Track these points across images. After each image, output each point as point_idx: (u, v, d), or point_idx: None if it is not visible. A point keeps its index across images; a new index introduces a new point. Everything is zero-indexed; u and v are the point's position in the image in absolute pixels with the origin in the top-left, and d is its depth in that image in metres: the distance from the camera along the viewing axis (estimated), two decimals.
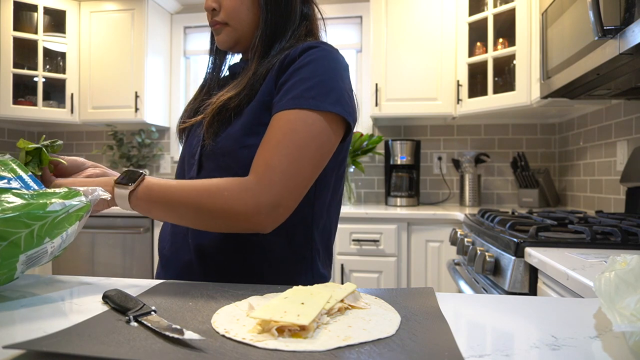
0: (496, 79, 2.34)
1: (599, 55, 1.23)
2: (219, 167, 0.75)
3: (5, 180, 0.61)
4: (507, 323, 0.49)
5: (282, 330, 0.42)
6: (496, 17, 2.26)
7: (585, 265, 0.86)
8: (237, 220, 0.66)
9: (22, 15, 2.69)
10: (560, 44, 1.53)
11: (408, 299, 0.55)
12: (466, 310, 0.53)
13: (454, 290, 1.98)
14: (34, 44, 2.69)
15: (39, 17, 2.68)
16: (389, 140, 2.63)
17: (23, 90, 2.75)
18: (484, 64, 2.34)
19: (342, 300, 0.50)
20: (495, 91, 2.27)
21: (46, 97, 2.80)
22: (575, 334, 0.44)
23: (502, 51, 2.24)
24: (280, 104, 0.70)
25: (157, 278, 0.83)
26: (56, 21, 2.76)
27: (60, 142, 0.76)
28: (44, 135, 0.77)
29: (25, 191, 0.57)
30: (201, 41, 3.10)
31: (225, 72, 0.92)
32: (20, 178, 0.63)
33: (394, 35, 2.47)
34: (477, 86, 2.43)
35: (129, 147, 3.05)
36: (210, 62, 0.92)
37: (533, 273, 1.08)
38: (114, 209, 2.38)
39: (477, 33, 2.39)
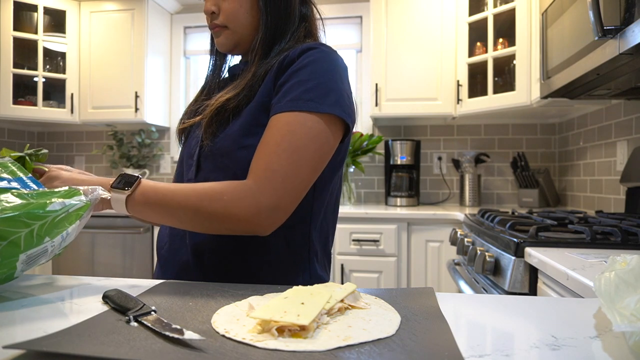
0: (496, 79, 2.34)
1: (599, 55, 1.23)
2: (217, 168, 0.75)
3: (5, 182, 0.61)
4: (507, 323, 0.49)
5: (282, 330, 0.42)
6: (496, 17, 2.26)
7: (585, 265, 0.86)
8: (236, 224, 0.66)
9: (22, 15, 2.69)
10: (560, 44, 1.53)
11: (408, 299, 0.55)
12: (466, 310, 0.53)
13: (454, 290, 1.98)
14: (34, 44, 2.69)
15: (39, 17, 2.68)
16: (389, 140, 2.63)
17: (23, 90, 2.75)
18: (484, 64, 2.34)
19: (342, 300, 0.50)
20: (495, 91, 2.27)
21: (46, 97, 2.80)
22: (575, 334, 0.44)
23: (502, 51, 2.24)
24: (278, 106, 0.70)
25: (156, 278, 0.83)
26: (56, 21, 2.76)
27: (45, 151, 0.76)
28: (28, 144, 0.77)
29: (25, 191, 0.57)
30: (201, 41, 3.10)
31: (225, 73, 0.92)
32: (19, 180, 0.63)
33: (394, 35, 2.47)
34: (477, 86, 2.43)
35: (129, 147, 3.05)
36: (211, 63, 0.92)
37: (533, 273, 1.08)
38: (112, 210, 2.38)
39: (477, 33, 2.39)
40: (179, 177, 0.86)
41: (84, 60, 2.79)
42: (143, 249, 2.40)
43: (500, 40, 2.31)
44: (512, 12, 2.19)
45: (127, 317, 0.46)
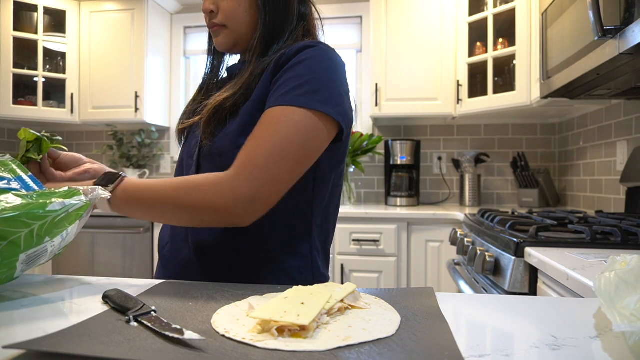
0: (496, 79, 2.34)
1: (599, 55, 1.23)
2: (216, 168, 0.75)
3: (5, 181, 0.61)
4: (507, 323, 0.49)
5: (282, 330, 0.42)
6: (496, 17, 2.26)
7: (585, 265, 0.86)
8: (214, 214, 0.66)
9: (22, 15, 2.69)
10: (560, 44, 1.53)
11: (408, 299, 0.55)
12: (466, 310, 0.53)
13: (454, 290, 1.98)
14: (34, 44, 2.69)
15: (39, 17, 2.68)
16: (389, 140, 2.63)
17: (23, 90, 2.75)
18: (484, 64, 2.34)
19: (342, 300, 0.50)
20: (495, 91, 2.27)
21: (46, 97, 2.80)
22: (575, 334, 0.44)
23: (502, 51, 2.24)
24: (269, 102, 0.70)
25: (158, 278, 0.83)
26: (56, 21, 2.76)
27: (60, 138, 0.80)
28: (44, 130, 0.80)
29: (25, 192, 0.57)
30: (201, 41, 3.10)
31: (224, 73, 0.92)
32: (20, 179, 0.63)
33: (394, 35, 2.47)
34: (477, 86, 2.43)
35: (129, 147, 3.05)
36: (209, 63, 0.92)
37: (533, 273, 1.08)
38: None
39: (477, 33, 2.39)
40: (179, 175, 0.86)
41: (84, 60, 2.79)
42: (143, 249, 2.40)
43: (500, 40, 2.31)
44: (512, 12, 2.19)
45: (127, 317, 0.46)
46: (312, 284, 0.71)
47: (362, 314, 0.49)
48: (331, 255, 0.88)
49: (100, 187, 0.65)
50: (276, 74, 0.73)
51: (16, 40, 2.65)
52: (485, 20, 2.31)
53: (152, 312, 0.48)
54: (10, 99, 2.62)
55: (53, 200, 0.57)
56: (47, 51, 2.76)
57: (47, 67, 2.78)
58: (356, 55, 2.94)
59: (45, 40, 2.72)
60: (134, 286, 0.62)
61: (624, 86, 1.48)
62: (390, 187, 2.60)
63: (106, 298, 0.53)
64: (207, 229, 0.75)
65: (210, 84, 0.90)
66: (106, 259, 2.44)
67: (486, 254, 1.24)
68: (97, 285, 0.64)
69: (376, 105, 2.48)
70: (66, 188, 0.61)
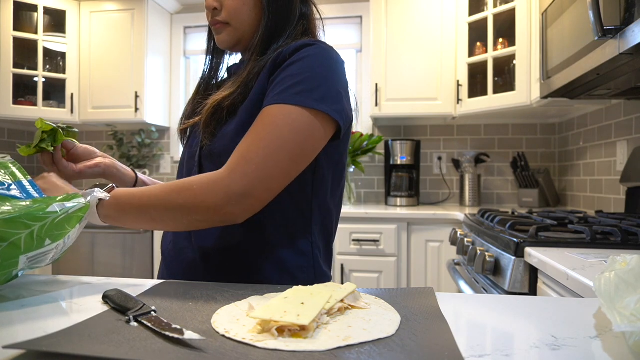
0: (496, 79, 2.34)
1: (599, 55, 1.23)
2: (218, 168, 0.75)
3: (5, 186, 0.61)
4: (507, 323, 0.49)
5: (282, 330, 0.42)
6: (496, 17, 2.26)
7: (585, 265, 0.86)
8: (207, 213, 0.65)
9: (22, 15, 2.69)
10: (560, 44, 1.53)
11: (408, 299, 0.55)
12: (466, 310, 0.53)
13: (454, 290, 1.98)
14: (34, 44, 2.69)
15: (39, 17, 2.68)
16: (389, 140, 2.63)
17: (23, 90, 2.75)
18: (484, 64, 2.34)
19: (342, 300, 0.50)
20: (495, 91, 2.27)
21: (46, 97, 2.80)
22: (575, 334, 0.44)
23: (502, 51, 2.24)
24: (266, 100, 0.70)
25: (161, 278, 0.83)
26: (56, 21, 2.76)
27: (76, 130, 0.82)
28: (60, 122, 0.82)
29: (24, 202, 0.57)
30: (201, 41, 3.08)
31: (224, 73, 0.92)
32: (19, 183, 0.64)
33: (394, 35, 2.47)
34: (477, 86, 2.43)
35: (129, 147, 3.05)
36: (208, 62, 0.91)
37: (533, 273, 1.08)
38: None
39: (477, 33, 2.39)
40: (180, 178, 0.86)
41: (84, 60, 2.79)
42: (143, 249, 2.40)
43: (500, 40, 2.31)
44: (512, 12, 2.19)
45: (127, 317, 0.46)
46: (314, 283, 0.71)
47: (362, 314, 0.49)
48: (332, 254, 0.88)
49: (97, 189, 0.65)
50: (273, 73, 0.73)
51: (16, 40, 2.65)
52: (485, 20, 2.31)
53: (152, 312, 0.48)
54: (10, 99, 2.62)
55: (52, 202, 0.57)
56: (47, 51, 2.76)
57: (47, 67, 2.78)
58: (356, 55, 2.94)
59: (45, 40, 2.72)
60: (134, 286, 0.62)
61: (624, 86, 1.48)
62: (390, 187, 2.60)
63: (106, 298, 0.53)
64: (210, 229, 0.75)
65: (209, 83, 0.90)
66: (106, 259, 2.44)
67: (486, 254, 1.24)
68: (97, 285, 0.64)
69: (376, 105, 2.48)
70: (65, 195, 0.61)
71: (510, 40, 2.23)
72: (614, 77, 1.37)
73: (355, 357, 0.38)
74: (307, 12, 0.85)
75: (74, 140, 0.83)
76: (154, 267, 2.39)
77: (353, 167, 2.65)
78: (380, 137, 2.57)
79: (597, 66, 1.25)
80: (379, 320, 0.47)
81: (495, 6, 2.27)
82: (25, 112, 2.67)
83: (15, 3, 2.62)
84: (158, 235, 2.37)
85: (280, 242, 0.76)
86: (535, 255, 1.01)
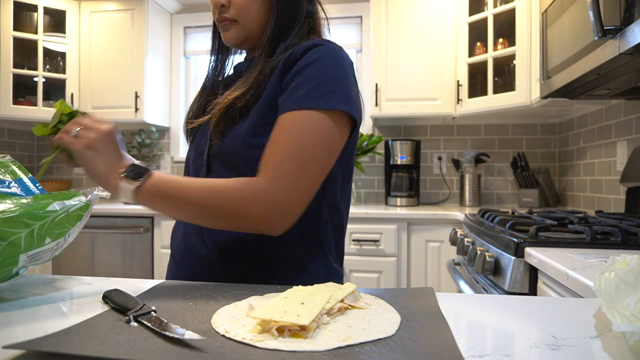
0: (496, 79, 2.34)
1: (599, 55, 1.23)
2: (227, 168, 0.75)
3: (5, 184, 0.61)
4: (507, 323, 0.49)
5: (282, 330, 0.42)
6: (496, 17, 2.26)
7: (585, 265, 0.86)
8: (248, 223, 0.67)
9: (22, 15, 2.69)
10: (560, 44, 1.53)
11: (408, 299, 0.55)
12: (466, 310, 0.53)
13: (454, 290, 1.98)
14: (34, 44, 2.69)
15: (39, 17, 2.68)
16: (389, 140, 2.63)
17: (23, 90, 2.75)
18: (484, 64, 2.34)
19: (342, 300, 0.50)
20: (495, 91, 2.27)
21: (46, 97, 2.79)
22: (575, 334, 0.44)
23: (502, 51, 2.24)
24: (286, 104, 0.70)
25: (171, 278, 0.83)
26: (56, 21, 2.76)
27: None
28: (79, 107, 0.81)
29: (25, 200, 0.57)
30: (201, 41, 3.10)
31: (229, 70, 0.91)
32: (19, 181, 0.64)
33: (394, 35, 2.47)
34: (477, 86, 2.43)
35: (129, 147, 3.05)
36: (212, 61, 0.91)
37: (533, 273, 1.08)
38: (113, 209, 2.38)
39: (477, 33, 2.39)
40: (187, 176, 0.86)
41: (84, 60, 2.79)
42: (143, 249, 2.40)
43: (500, 40, 2.31)
44: (512, 12, 2.19)
45: (127, 317, 0.46)
46: (326, 279, 0.71)
47: (362, 314, 0.49)
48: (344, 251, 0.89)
49: (98, 188, 0.65)
50: (286, 74, 0.73)
51: (16, 40, 2.65)
52: (485, 20, 2.31)
53: (152, 312, 0.48)
54: (10, 99, 2.62)
55: (52, 201, 0.57)
56: (47, 51, 2.76)
57: (47, 67, 2.78)
58: (356, 55, 2.94)
59: (45, 40, 2.71)
60: (134, 286, 0.62)
61: (624, 86, 1.48)
62: (390, 187, 2.60)
63: (106, 298, 0.53)
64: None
65: (215, 82, 0.89)
66: (106, 259, 2.44)
67: (486, 254, 1.24)
68: (97, 285, 0.64)
69: (376, 105, 2.48)
70: (65, 191, 0.61)
71: (510, 40, 2.23)
72: (614, 77, 1.37)
73: (355, 357, 0.38)
74: (313, 11, 0.85)
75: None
76: (154, 267, 2.39)
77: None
78: (380, 137, 2.57)
79: (597, 66, 1.25)
80: (379, 320, 0.47)
81: (495, 6, 2.27)
82: (25, 112, 2.67)
83: (15, 3, 2.62)
84: (158, 235, 2.37)
85: (292, 241, 0.76)
86: (535, 255, 1.01)
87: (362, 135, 2.54)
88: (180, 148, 3.10)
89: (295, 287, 0.53)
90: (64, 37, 2.75)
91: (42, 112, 2.71)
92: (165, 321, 0.45)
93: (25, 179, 0.65)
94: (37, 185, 0.65)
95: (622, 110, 1.92)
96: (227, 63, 0.91)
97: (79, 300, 0.56)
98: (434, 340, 0.41)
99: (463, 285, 1.44)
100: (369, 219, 2.17)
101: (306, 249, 0.78)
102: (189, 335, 0.41)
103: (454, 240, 1.69)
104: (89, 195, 0.63)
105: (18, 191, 0.62)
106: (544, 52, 1.69)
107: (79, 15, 2.79)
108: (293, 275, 0.76)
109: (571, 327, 0.46)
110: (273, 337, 0.41)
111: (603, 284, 0.44)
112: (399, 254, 2.15)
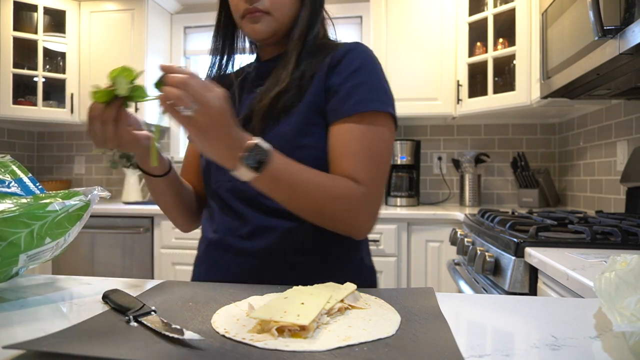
0: (496, 79, 2.34)
1: (599, 55, 1.23)
2: None
3: (5, 184, 0.61)
4: (507, 323, 0.49)
5: (282, 330, 0.42)
6: (496, 17, 2.26)
7: (585, 265, 0.86)
8: (346, 227, 0.72)
9: (22, 15, 2.68)
10: (560, 44, 1.53)
11: (408, 299, 0.55)
12: (466, 310, 0.53)
13: (454, 290, 1.98)
14: (34, 44, 2.69)
15: (39, 17, 2.68)
16: None
17: (23, 90, 2.74)
18: (484, 64, 2.34)
19: (342, 301, 0.50)
20: (495, 91, 2.27)
21: (46, 97, 2.79)
22: (575, 334, 0.44)
23: (502, 51, 2.24)
24: (343, 109, 0.73)
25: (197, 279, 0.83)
26: (56, 21, 2.76)
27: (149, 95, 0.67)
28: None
29: (25, 199, 0.57)
30: (201, 41, 3.09)
31: (251, 70, 0.88)
32: (19, 180, 0.64)
33: (394, 35, 2.47)
34: (477, 86, 2.43)
35: None
36: (216, 61, 0.88)
37: (533, 273, 1.08)
38: (113, 209, 2.38)
39: (477, 33, 2.38)
40: (208, 172, 0.84)
41: (84, 60, 2.79)
42: (143, 249, 2.40)
43: (500, 40, 2.31)
44: (512, 12, 2.19)
45: (127, 317, 0.46)
46: (364, 273, 0.79)
47: (362, 314, 0.49)
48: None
49: (99, 187, 0.65)
50: (330, 77, 0.76)
51: (16, 40, 2.65)
52: (485, 20, 2.31)
53: (152, 312, 0.48)
54: (10, 99, 2.62)
55: (52, 201, 0.57)
56: (47, 51, 2.75)
57: (47, 67, 2.77)
58: None
59: (45, 40, 2.71)
60: (134, 286, 0.62)
61: (624, 86, 1.48)
62: (390, 187, 2.59)
63: (106, 298, 0.53)
64: (281, 229, 0.76)
65: (220, 82, 0.86)
66: (106, 259, 2.44)
67: (486, 254, 1.24)
68: (97, 285, 0.64)
69: None
70: (65, 191, 0.61)
71: (510, 40, 2.23)
72: (614, 77, 1.37)
73: (355, 357, 0.38)
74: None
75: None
76: (154, 267, 2.39)
77: None
78: None
79: (597, 66, 1.25)
80: (379, 320, 0.47)
81: (495, 6, 2.27)
82: (25, 112, 2.67)
83: (15, 3, 2.62)
84: (158, 235, 2.37)
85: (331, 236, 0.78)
86: (535, 255, 1.01)
87: None
88: (180, 148, 3.09)
89: (295, 287, 0.53)
90: (64, 37, 2.75)
91: (42, 112, 2.71)
92: (165, 321, 0.45)
93: (25, 179, 0.65)
94: (37, 185, 0.66)
95: (622, 110, 1.92)
96: (230, 63, 0.89)
97: (79, 300, 0.56)
98: (434, 341, 0.41)
99: (463, 285, 1.44)
100: None
101: (354, 244, 0.80)
102: (189, 335, 0.41)
103: (454, 240, 1.68)
104: (89, 195, 0.63)
105: (18, 191, 0.62)
106: (544, 52, 1.69)
107: (79, 15, 2.79)
108: (340, 268, 0.79)
109: (571, 327, 0.46)
110: (273, 337, 0.41)
111: (603, 284, 0.44)
112: (399, 254, 2.15)
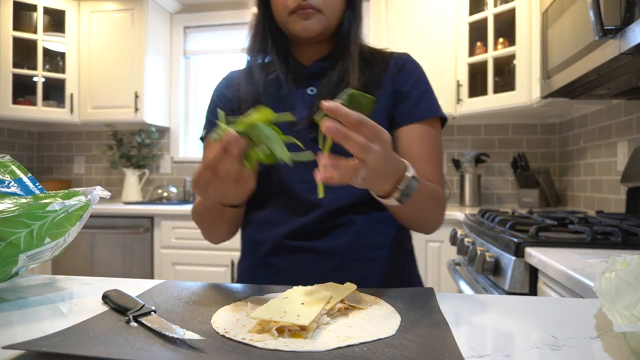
0: (496, 78, 2.34)
1: (599, 55, 1.23)
2: None
3: (4, 184, 0.61)
4: (507, 323, 0.49)
5: (282, 331, 0.42)
6: (496, 17, 2.26)
7: (585, 265, 0.86)
8: (435, 225, 0.80)
9: (22, 15, 2.69)
10: (560, 44, 1.53)
11: (408, 299, 0.55)
12: (466, 310, 0.53)
13: (454, 290, 1.98)
14: (33, 43, 2.69)
15: (39, 17, 2.68)
16: None
17: (23, 90, 2.74)
18: (484, 63, 2.34)
19: (342, 301, 0.50)
20: (496, 91, 2.27)
21: (46, 97, 2.79)
22: (575, 334, 0.44)
23: (502, 51, 2.24)
24: (417, 112, 0.81)
25: (241, 282, 0.82)
26: (56, 21, 2.76)
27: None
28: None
29: (25, 199, 0.57)
30: (201, 41, 3.09)
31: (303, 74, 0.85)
32: (19, 180, 0.64)
33: (394, 35, 2.47)
34: (477, 86, 2.43)
35: (129, 147, 3.04)
36: (256, 59, 0.85)
37: (533, 273, 1.08)
38: (113, 209, 2.38)
39: (477, 33, 2.38)
40: (268, 173, 0.78)
41: (84, 60, 2.79)
42: (143, 249, 2.40)
43: (501, 40, 2.31)
44: (512, 12, 2.19)
45: (127, 317, 0.46)
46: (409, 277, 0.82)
47: (362, 314, 0.49)
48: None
49: (99, 187, 0.65)
50: (395, 82, 0.83)
51: (16, 40, 2.65)
52: (485, 20, 2.30)
53: (152, 312, 0.48)
54: (9, 99, 2.62)
55: (52, 201, 0.57)
56: (46, 51, 2.76)
57: (47, 67, 2.78)
58: None
59: (44, 40, 2.71)
60: (134, 286, 0.62)
61: (624, 86, 1.48)
62: None
63: (106, 298, 0.53)
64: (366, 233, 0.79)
65: (254, 78, 0.83)
66: (106, 259, 2.44)
67: (486, 254, 1.24)
68: (97, 285, 0.64)
69: None
70: (65, 190, 0.61)
71: (511, 40, 2.23)
72: (615, 77, 1.37)
73: (355, 357, 0.38)
74: None
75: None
76: (154, 267, 2.39)
77: None
78: None
79: (597, 66, 1.25)
80: (379, 320, 0.47)
81: (495, 6, 2.27)
82: (25, 112, 2.67)
83: (15, 3, 2.62)
84: (158, 235, 2.37)
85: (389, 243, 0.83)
86: (536, 255, 1.01)
87: None
88: (180, 148, 3.09)
89: (295, 287, 0.53)
90: (64, 37, 2.75)
91: (42, 112, 2.71)
92: (165, 321, 0.45)
93: (25, 179, 0.64)
94: (37, 185, 0.65)
95: (623, 110, 1.92)
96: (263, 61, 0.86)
97: (79, 301, 0.56)
98: (434, 340, 0.41)
99: (463, 285, 1.43)
100: None
101: (396, 251, 0.84)
102: (189, 335, 0.41)
103: (454, 241, 1.68)
104: (89, 195, 0.63)
105: (17, 191, 0.62)
106: (544, 52, 1.69)
107: (79, 15, 2.79)
108: (405, 259, 0.86)
109: (571, 328, 0.46)
110: (273, 337, 0.41)
111: (603, 284, 0.43)
112: None
